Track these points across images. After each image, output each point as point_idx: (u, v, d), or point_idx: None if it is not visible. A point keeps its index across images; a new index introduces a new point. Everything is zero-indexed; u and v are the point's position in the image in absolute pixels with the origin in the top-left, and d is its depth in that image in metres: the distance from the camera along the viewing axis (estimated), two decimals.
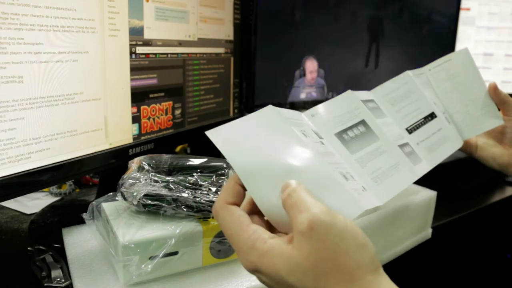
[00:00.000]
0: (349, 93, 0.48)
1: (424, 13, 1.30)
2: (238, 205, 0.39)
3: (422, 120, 0.55)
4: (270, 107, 0.40)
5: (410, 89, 0.55)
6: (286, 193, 0.35)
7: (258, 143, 0.38)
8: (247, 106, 0.96)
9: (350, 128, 0.46)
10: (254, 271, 0.35)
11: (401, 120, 0.52)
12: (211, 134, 0.39)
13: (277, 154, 0.38)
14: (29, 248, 0.57)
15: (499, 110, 0.63)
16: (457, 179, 0.92)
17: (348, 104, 0.47)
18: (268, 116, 0.40)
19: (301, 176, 0.37)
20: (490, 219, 0.98)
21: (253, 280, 0.52)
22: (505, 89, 0.64)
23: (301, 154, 0.38)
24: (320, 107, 0.45)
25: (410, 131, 0.52)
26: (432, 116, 0.56)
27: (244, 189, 0.39)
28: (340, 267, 0.31)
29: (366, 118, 0.47)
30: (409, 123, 0.53)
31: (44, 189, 0.83)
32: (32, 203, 0.78)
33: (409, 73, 0.57)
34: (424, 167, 0.51)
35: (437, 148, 0.54)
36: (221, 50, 0.85)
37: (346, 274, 0.31)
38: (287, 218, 0.35)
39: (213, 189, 0.53)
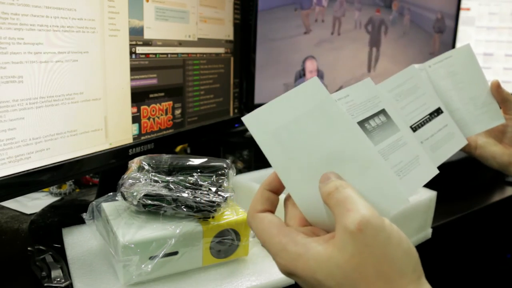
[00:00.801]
0: (368, 81, 0.45)
1: (424, 13, 1.30)
2: (271, 211, 0.38)
3: (428, 116, 0.52)
4: (314, 79, 0.37)
5: (416, 84, 0.53)
6: (331, 186, 0.33)
7: (296, 128, 0.36)
8: (247, 106, 0.96)
9: (372, 117, 0.43)
10: (289, 274, 0.34)
11: (405, 117, 0.50)
12: (246, 119, 0.37)
13: (319, 139, 0.36)
14: (29, 248, 0.57)
15: (500, 108, 0.63)
16: (457, 179, 0.92)
17: (368, 92, 0.44)
18: (312, 91, 0.37)
19: (345, 164, 0.35)
20: (490, 219, 0.98)
21: (253, 280, 0.52)
22: (505, 89, 0.64)
23: (347, 136, 0.36)
24: (343, 92, 0.42)
25: (414, 129, 0.50)
26: (438, 111, 0.54)
27: (276, 193, 0.38)
28: (382, 274, 0.30)
29: (387, 108, 0.45)
30: (414, 120, 0.51)
31: (44, 189, 0.83)
32: (32, 203, 0.78)
33: (415, 66, 0.54)
34: None
35: (442, 146, 0.52)
36: (221, 50, 0.85)
37: (388, 282, 0.30)
38: (325, 214, 0.34)
39: (213, 189, 0.53)
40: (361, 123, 0.42)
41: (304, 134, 0.36)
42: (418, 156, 0.45)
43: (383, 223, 0.31)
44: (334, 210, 0.33)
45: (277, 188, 0.38)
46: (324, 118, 0.37)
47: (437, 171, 0.46)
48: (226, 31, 0.86)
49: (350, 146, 0.36)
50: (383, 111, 0.44)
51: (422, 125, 0.51)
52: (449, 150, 0.53)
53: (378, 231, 0.31)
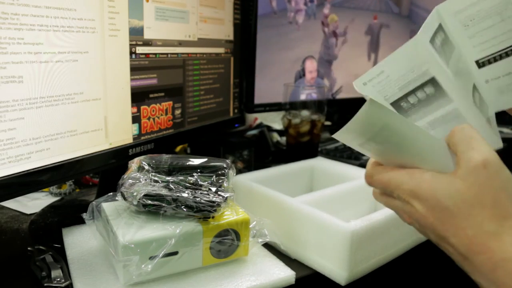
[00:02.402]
0: (415, 41, 0.36)
1: (424, 13, 1.30)
2: None
3: (509, 50, 0.39)
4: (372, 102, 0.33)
5: (498, 3, 0.38)
6: (458, 127, 0.36)
7: (375, 142, 0.37)
8: (247, 106, 0.96)
9: (413, 92, 0.38)
10: (412, 198, 0.37)
11: (472, 49, 0.39)
12: (336, 136, 0.37)
13: (397, 146, 0.37)
14: (29, 248, 0.57)
15: None
16: None
17: (412, 59, 0.36)
18: (373, 117, 0.34)
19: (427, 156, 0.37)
20: None
21: (253, 280, 0.52)
22: None
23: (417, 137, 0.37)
24: (377, 68, 0.37)
25: (481, 64, 0.40)
26: None
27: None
28: (498, 203, 0.33)
29: (438, 75, 0.37)
30: (483, 54, 0.39)
31: (44, 189, 0.83)
32: (32, 203, 0.78)
33: None
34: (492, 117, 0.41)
35: None
36: (221, 50, 0.85)
37: (502, 210, 0.33)
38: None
39: (213, 189, 0.53)
40: (396, 102, 0.38)
41: (382, 145, 0.37)
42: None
43: (504, 165, 0.34)
44: (458, 147, 0.35)
45: None
46: (393, 132, 0.35)
47: (500, 145, 0.40)
48: (226, 31, 0.86)
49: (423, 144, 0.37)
50: (431, 81, 0.37)
51: (494, 61, 0.40)
52: None
53: (500, 169, 0.34)
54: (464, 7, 0.38)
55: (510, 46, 0.39)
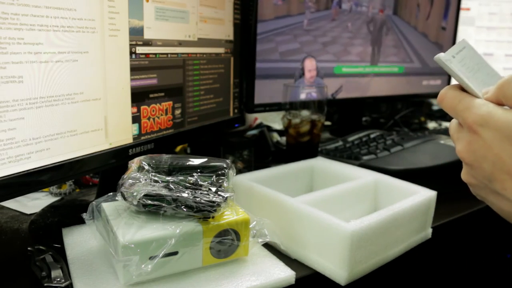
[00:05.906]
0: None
1: (424, 13, 1.30)
2: None
3: None
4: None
5: None
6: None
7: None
8: (247, 106, 0.96)
9: None
10: (479, 125, 0.35)
11: None
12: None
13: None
14: (29, 248, 0.57)
15: None
16: (457, 179, 0.92)
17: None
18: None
19: None
20: (490, 219, 0.98)
21: (253, 280, 0.52)
22: None
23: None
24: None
25: None
26: None
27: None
28: None
29: None
30: None
31: (44, 189, 0.83)
32: (32, 203, 0.78)
33: None
34: None
35: None
36: (221, 50, 0.85)
37: None
38: None
39: (213, 189, 0.53)
40: None
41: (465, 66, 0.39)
42: None
43: None
44: None
45: None
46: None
47: None
48: (226, 31, 0.86)
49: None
50: None
51: None
52: None
53: None
54: None
55: None
